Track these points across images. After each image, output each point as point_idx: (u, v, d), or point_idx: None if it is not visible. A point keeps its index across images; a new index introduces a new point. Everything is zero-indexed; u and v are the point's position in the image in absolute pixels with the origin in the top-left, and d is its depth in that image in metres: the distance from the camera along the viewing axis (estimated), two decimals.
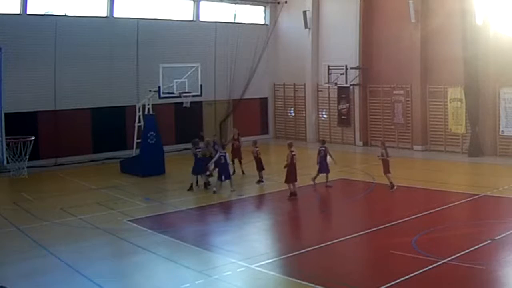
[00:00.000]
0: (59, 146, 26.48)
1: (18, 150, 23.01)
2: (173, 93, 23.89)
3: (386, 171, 20.09)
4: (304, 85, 33.46)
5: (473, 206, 17.94)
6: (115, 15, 28.53)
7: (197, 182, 20.96)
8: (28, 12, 25.81)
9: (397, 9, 28.89)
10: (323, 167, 20.85)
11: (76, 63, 26.86)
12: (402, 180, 21.30)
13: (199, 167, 20.72)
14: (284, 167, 19.12)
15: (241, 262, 12.98)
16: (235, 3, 33.58)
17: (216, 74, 31.87)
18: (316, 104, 33.23)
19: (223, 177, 20.24)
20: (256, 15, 35.08)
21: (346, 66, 29.93)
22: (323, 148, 21.09)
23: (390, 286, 11.21)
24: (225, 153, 20.74)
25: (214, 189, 20.29)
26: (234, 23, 33.35)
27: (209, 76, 30.55)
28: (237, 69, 32.36)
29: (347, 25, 31.07)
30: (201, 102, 30.36)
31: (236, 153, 23.72)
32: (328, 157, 21.05)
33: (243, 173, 23.21)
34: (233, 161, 23.18)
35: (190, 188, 20.63)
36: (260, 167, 21.62)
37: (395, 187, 19.78)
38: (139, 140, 24.39)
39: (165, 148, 24.85)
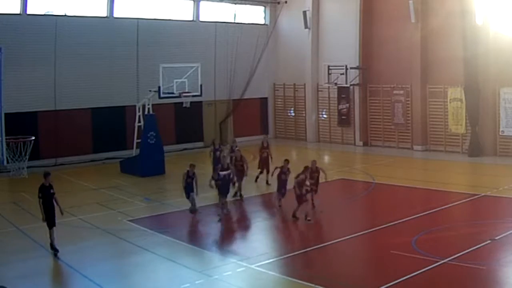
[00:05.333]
0: (59, 146, 26.49)
1: (18, 150, 23.00)
2: (173, 93, 23.93)
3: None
4: (304, 85, 33.44)
5: (473, 206, 17.93)
6: (115, 15, 28.52)
7: None
8: (28, 12, 25.80)
9: (397, 9, 28.88)
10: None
11: (76, 63, 26.88)
12: (402, 180, 21.32)
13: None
14: None
15: (241, 262, 12.98)
16: (235, 3, 33.58)
17: (216, 74, 31.89)
18: (316, 104, 33.21)
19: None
20: (256, 15, 35.06)
21: (346, 66, 29.93)
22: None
23: (390, 286, 11.21)
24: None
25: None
26: (234, 23, 33.34)
27: (209, 76, 30.56)
28: (237, 69, 32.37)
29: (347, 25, 31.06)
30: (201, 102, 30.38)
31: (265, 163, 21.44)
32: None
33: (267, 183, 21.16)
34: (261, 172, 21.48)
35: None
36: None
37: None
38: (139, 140, 24.40)
39: (165, 148, 24.85)
